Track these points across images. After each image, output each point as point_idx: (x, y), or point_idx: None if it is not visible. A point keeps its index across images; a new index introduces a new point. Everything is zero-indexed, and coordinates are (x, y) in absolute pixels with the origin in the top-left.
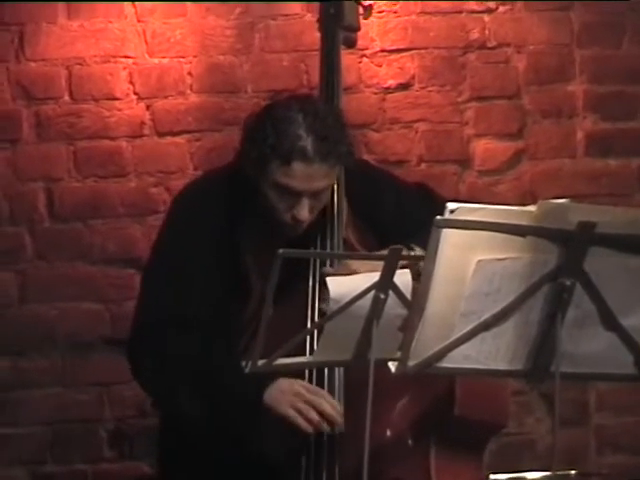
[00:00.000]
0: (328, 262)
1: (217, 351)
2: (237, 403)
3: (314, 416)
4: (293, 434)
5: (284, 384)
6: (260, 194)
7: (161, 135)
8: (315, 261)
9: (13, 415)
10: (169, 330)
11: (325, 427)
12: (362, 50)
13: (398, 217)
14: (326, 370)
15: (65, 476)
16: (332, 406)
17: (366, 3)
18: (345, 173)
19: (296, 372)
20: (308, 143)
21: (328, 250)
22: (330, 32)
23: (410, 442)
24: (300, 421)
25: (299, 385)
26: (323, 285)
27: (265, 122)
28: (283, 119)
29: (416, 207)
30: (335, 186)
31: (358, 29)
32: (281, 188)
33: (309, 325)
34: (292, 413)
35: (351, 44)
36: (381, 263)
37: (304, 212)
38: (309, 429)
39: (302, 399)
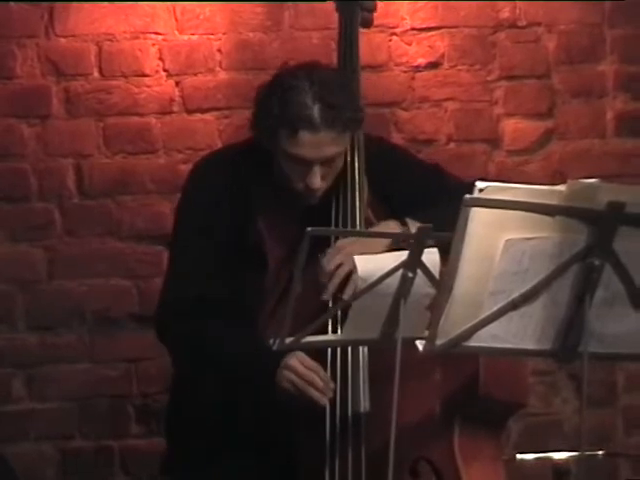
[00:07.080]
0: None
1: (233, 329)
2: (251, 383)
3: (308, 390)
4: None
5: (285, 359)
6: (276, 164)
7: (190, 112)
8: (336, 237)
9: (41, 390)
10: (189, 308)
11: (323, 402)
12: (392, 28)
13: (410, 194)
14: (349, 349)
15: (92, 451)
16: (324, 382)
17: None
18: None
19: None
20: (314, 111)
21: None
22: (348, 12)
23: (436, 421)
24: (296, 394)
25: (295, 359)
26: (320, 270)
27: (272, 92)
28: (289, 88)
29: (427, 185)
30: (356, 164)
31: (375, 9)
32: (291, 157)
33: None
34: (287, 386)
35: (368, 24)
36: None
37: (316, 180)
38: (322, 400)
39: (295, 372)
